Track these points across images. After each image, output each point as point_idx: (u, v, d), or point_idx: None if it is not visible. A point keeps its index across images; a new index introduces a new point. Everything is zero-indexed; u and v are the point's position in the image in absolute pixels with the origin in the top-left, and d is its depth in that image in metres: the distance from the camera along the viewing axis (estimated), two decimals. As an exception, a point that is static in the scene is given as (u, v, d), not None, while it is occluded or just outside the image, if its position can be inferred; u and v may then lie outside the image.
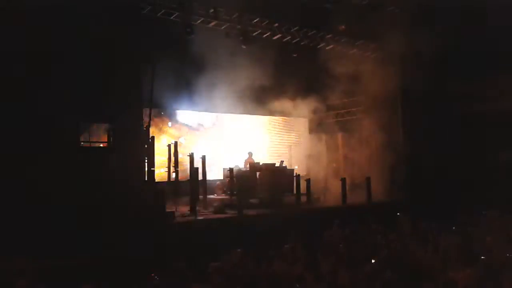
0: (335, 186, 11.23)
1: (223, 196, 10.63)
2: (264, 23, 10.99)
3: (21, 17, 6.96)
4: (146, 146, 8.62)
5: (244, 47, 10.62)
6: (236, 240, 6.66)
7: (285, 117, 14.32)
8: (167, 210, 8.32)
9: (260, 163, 10.93)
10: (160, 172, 10.30)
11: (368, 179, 11.09)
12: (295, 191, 10.38)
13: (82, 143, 8.36)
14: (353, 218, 8.45)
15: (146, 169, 8.46)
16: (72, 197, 7.17)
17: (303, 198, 10.35)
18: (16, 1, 6.94)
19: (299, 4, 10.31)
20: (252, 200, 9.90)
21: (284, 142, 14.43)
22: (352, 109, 13.98)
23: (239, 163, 11.65)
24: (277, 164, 11.05)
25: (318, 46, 11.98)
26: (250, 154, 12.12)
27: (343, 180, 10.89)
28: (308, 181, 10.62)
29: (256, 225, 8.38)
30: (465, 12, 10.75)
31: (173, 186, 9.54)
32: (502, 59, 11.42)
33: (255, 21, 10.82)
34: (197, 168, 9.51)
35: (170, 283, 4.94)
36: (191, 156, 9.67)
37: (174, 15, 9.84)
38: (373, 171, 11.79)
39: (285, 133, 14.58)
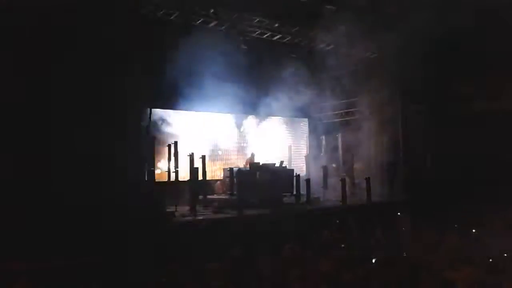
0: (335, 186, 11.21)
1: (223, 196, 10.61)
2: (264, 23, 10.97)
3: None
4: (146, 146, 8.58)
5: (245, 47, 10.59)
6: (236, 240, 6.66)
7: (284, 118, 14.26)
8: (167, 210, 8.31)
9: (260, 163, 10.92)
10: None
11: (368, 179, 11.10)
12: (295, 191, 10.38)
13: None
14: (353, 218, 8.44)
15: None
16: (72, 197, 7.15)
17: (303, 198, 10.33)
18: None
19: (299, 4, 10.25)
20: (252, 200, 9.88)
21: (284, 143, 14.37)
22: (352, 110, 13.94)
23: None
24: (277, 164, 11.03)
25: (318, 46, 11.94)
26: (253, 155, 12.11)
27: (343, 180, 10.87)
28: (307, 181, 10.61)
29: (256, 225, 8.37)
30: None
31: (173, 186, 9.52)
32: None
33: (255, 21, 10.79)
34: (197, 168, 9.49)
35: (169, 283, 4.94)
36: (191, 156, 9.64)
37: (174, 15, 9.83)
38: (373, 171, 11.77)
39: (284, 134, 14.52)
